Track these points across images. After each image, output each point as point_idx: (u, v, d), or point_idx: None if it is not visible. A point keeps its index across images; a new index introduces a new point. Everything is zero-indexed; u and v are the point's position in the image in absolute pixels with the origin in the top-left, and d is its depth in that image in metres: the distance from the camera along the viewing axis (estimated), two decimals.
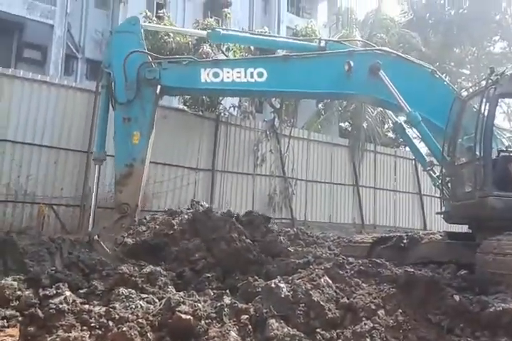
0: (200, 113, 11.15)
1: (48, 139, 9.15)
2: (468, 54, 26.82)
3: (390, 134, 24.29)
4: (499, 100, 5.77)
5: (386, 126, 22.29)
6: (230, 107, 12.40)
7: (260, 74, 6.35)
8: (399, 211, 15.32)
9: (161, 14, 12.12)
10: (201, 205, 6.99)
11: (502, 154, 5.92)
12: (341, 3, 23.48)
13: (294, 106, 17.16)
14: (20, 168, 8.79)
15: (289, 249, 6.58)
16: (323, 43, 7.18)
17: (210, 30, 7.55)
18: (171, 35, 11.21)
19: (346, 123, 19.82)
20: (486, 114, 5.51)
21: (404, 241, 6.73)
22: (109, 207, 9.10)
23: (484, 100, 5.56)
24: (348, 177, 14.30)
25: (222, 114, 11.79)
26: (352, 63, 6.25)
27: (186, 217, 6.25)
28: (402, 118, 7.63)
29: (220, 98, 11.79)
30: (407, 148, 23.49)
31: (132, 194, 5.95)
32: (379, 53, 6.68)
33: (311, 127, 16.74)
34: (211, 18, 13.00)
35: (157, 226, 6.36)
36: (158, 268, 4.75)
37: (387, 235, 7.29)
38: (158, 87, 6.33)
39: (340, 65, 6.33)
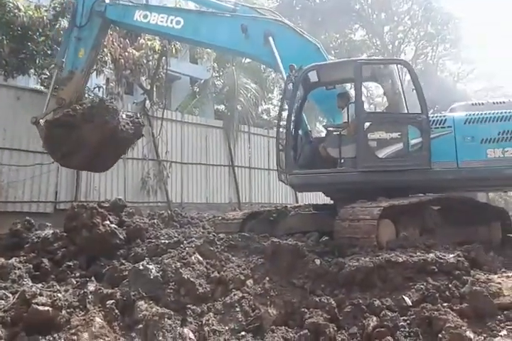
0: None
1: None
2: (333, 40, 28.73)
3: (265, 116, 25.19)
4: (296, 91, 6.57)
5: (260, 109, 23.04)
6: (94, 88, 11.59)
7: (178, 22, 7.66)
8: (273, 188, 15.92)
9: None
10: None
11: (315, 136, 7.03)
12: None
13: (166, 88, 16.79)
14: None
15: (161, 230, 6.46)
16: (238, 7, 8.07)
17: None
18: (22, 8, 10.11)
19: (221, 106, 19.98)
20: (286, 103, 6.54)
21: (274, 214, 7.05)
22: None
23: (285, 92, 6.58)
24: (223, 158, 14.46)
25: (86, 95, 10.98)
26: (248, 27, 7.23)
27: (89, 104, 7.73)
28: None
29: None
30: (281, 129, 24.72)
31: (69, 92, 7.88)
32: (275, 23, 7.44)
33: (185, 109, 16.55)
34: None
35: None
36: (10, 261, 4.31)
37: (257, 210, 7.55)
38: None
39: (239, 27, 7.28)
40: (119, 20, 8.21)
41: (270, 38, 7.06)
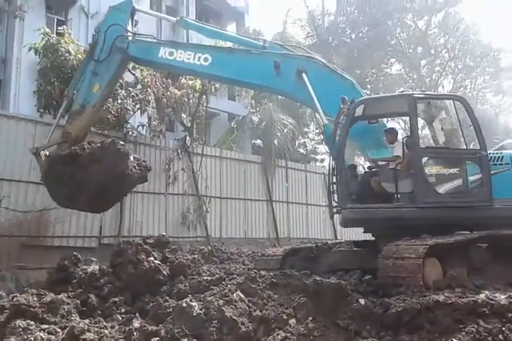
0: (106, 132, 10.72)
1: None
2: (369, 75, 28.99)
3: (301, 150, 25.33)
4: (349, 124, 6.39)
5: (297, 143, 23.21)
6: (138, 126, 12.08)
7: (206, 60, 7.57)
8: (311, 223, 15.78)
9: (61, 31, 11.59)
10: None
11: (366, 170, 6.81)
12: (249, 25, 24.21)
13: (206, 125, 17.27)
14: None
15: (202, 266, 6.50)
16: (267, 44, 8.19)
17: (179, 18, 8.82)
18: (72, 52, 10.83)
19: (259, 141, 20.27)
20: (339, 137, 6.30)
21: (314, 251, 6.97)
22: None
23: (338, 125, 6.37)
24: (261, 192, 14.50)
25: (130, 133, 11.47)
26: (280, 63, 7.15)
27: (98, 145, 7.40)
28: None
29: (127, 117, 11.51)
30: (317, 163, 24.76)
31: (76, 127, 7.65)
32: (307, 59, 7.43)
33: (224, 145, 16.88)
34: None
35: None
36: (60, 296, 4.43)
37: (297, 247, 7.49)
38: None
39: (271, 63, 7.22)
40: (143, 58, 8.06)
41: (304, 75, 7.04)
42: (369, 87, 28.12)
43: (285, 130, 17.36)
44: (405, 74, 29.78)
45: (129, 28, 8.07)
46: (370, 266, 5.60)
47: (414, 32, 28.10)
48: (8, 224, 8.53)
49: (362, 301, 4.31)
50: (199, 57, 7.58)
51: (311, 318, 4.20)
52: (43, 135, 9.46)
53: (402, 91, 8.29)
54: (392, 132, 7.03)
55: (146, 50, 7.90)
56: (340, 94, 7.01)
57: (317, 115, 8.11)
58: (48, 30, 11.30)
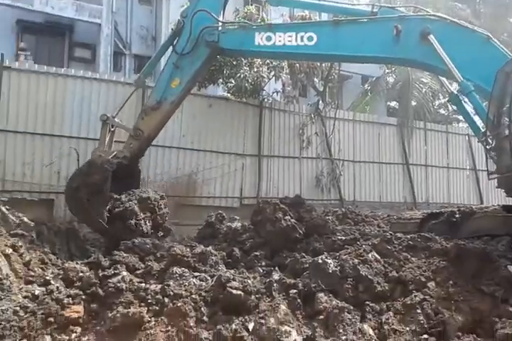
0: (244, 100, 11.23)
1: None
2: None
3: (442, 111, 23.46)
4: None
5: (437, 103, 21.52)
6: (273, 93, 12.34)
7: (310, 39, 6.64)
8: (453, 187, 14.84)
9: None
10: None
11: None
12: None
13: (338, 88, 16.94)
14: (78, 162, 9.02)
15: (337, 227, 6.61)
16: (376, 9, 7.10)
17: None
18: None
19: (394, 102, 19.31)
20: None
21: (457, 215, 6.58)
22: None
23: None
24: (397, 156, 13.99)
25: (265, 100, 11.84)
26: (401, 28, 6.28)
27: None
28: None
29: (263, 84, 11.83)
30: (460, 124, 22.78)
31: (149, 124, 6.89)
32: (431, 19, 6.54)
33: (357, 108, 16.46)
34: (251, 5, 12.93)
35: None
36: (208, 248, 4.92)
37: (438, 211, 7.14)
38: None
39: (389, 30, 6.37)
40: (237, 49, 7.13)
41: (431, 37, 6.18)
42: None
43: (424, 89, 16.24)
44: None
45: (220, 17, 7.05)
46: None
47: None
48: (164, 185, 9.64)
49: (511, 268, 4.03)
50: (301, 37, 6.65)
51: (451, 282, 4.07)
52: (191, 106, 10.12)
53: None
54: None
55: (239, 39, 6.96)
56: (476, 52, 6.20)
57: (442, 78, 7.30)
58: None
